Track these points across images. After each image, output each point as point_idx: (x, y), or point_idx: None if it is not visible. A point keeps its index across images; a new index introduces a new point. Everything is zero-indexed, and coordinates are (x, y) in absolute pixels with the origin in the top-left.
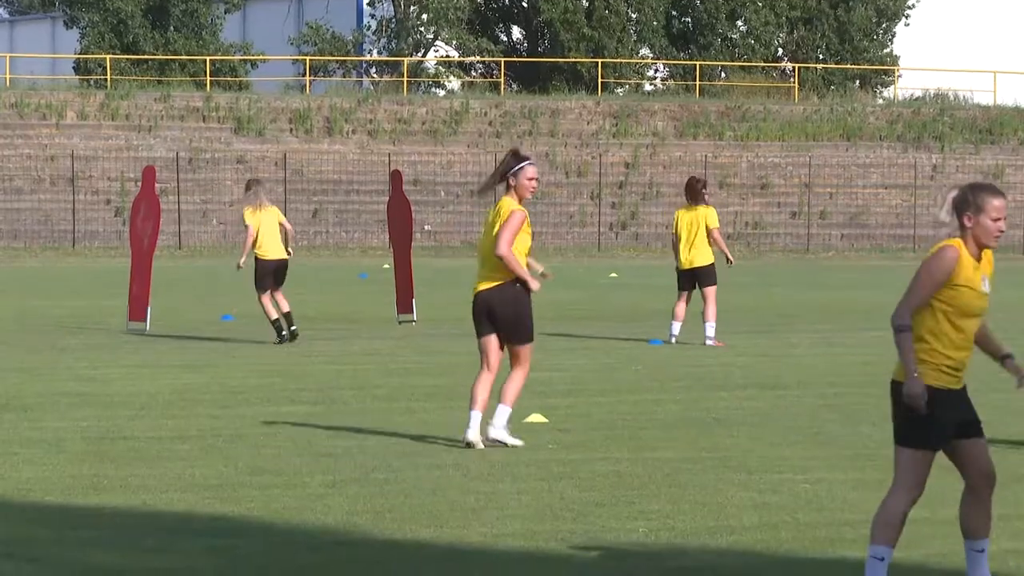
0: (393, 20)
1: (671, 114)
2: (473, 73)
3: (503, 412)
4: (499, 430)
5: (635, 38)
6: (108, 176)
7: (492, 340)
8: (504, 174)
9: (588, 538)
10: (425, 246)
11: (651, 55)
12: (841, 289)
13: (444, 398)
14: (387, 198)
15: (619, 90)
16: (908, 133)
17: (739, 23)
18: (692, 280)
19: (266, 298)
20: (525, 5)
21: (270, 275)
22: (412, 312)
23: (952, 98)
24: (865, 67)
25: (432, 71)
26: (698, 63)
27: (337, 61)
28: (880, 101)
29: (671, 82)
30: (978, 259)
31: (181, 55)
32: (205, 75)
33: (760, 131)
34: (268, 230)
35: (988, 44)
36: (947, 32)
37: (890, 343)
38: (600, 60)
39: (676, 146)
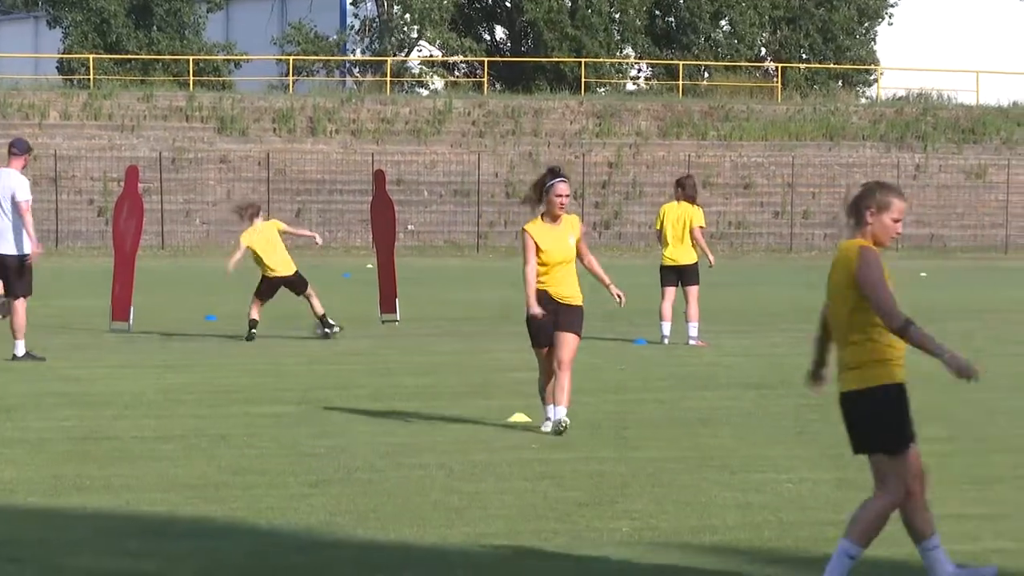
0: (376, 20)
1: (654, 114)
2: (456, 73)
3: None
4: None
5: (618, 38)
6: (91, 176)
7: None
8: (540, 189)
9: (571, 538)
10: (408, 246)
11: (634, 55)
12: (824, 289)
13: (428, 398)
14: (370, 198)
15: (602, 90)
16: (891, 133)
17: (722, 23)
18: (676, 276)
19: (256, 304)
20: (508, 5)
21: (275, 290)
22: (395, 312)
23: (935, 98)
24: (848, 67)
25: (415, 71)
26: (681, 63)
27: (320, 61)
28: (863, 101)
29: (654, 82)
30: None
31: (164, 55)
32: (188, 75)
33: (743, 131)
34: (269, 248)
35: (971, 44)
36: (930, 32)
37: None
38: (583, 60)
39: (659, 146)
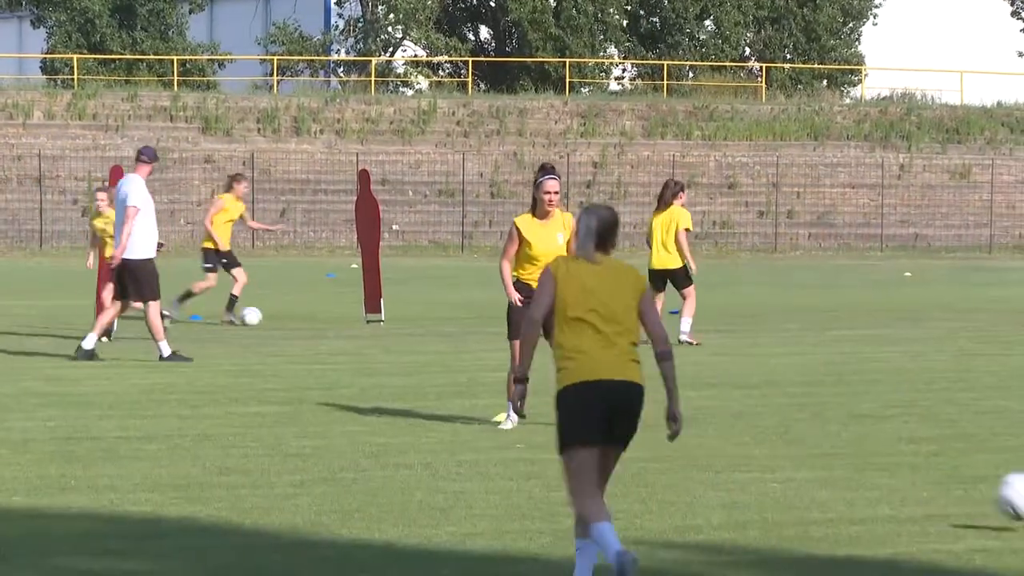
0: (361, 20)
1: (639, 114)
2: (441, 73)
3: None
4: None
5: (602, 37)
6: (75, 176)
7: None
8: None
9: (556, 537)
10: (393, 245)
11: (618, 55)
12: (808, 288)
13: (413, 398)
14: (355, 198)
15: (586, 90)
16: (875, 133)
17: (707, 22)
18: (663, 280)
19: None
20: (493, 5)
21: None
22: (380, 312)
23: (919, 98)
24: (832, 67)
25: (400, 71)
26: (666, 63)
27: (305, 61)
28: (847, 101)
29: (639, 82)
30: None
31: (148, 55)
32: (172, 75)
33: (728, 131)
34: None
35: (955, 44)
36: (914, 32)
37: (857, 341)
38: (567, 60)
39: (644, 146)
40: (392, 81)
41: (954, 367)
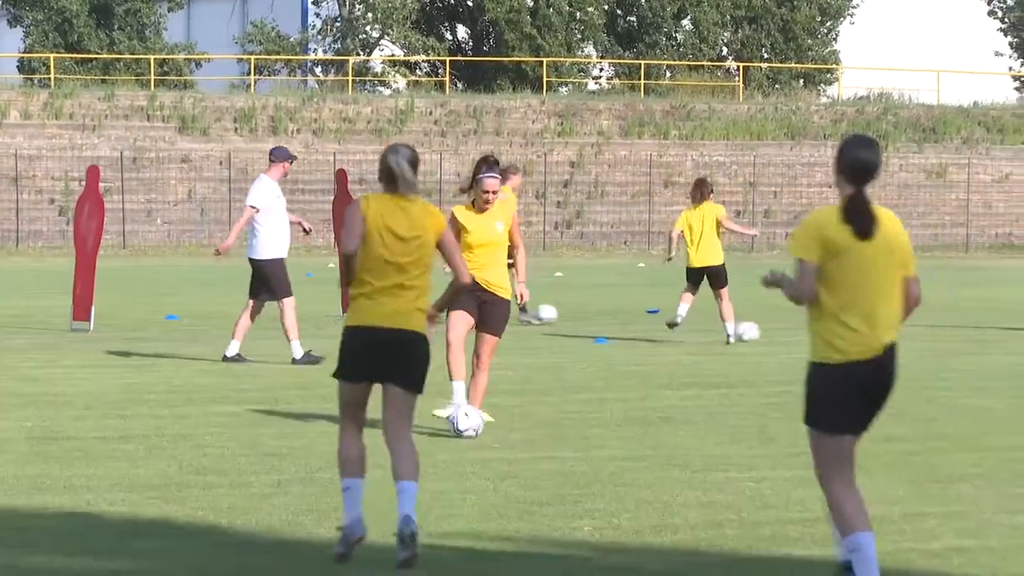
0: (339, 19)
1: (616, 113)
2: (418, 72)
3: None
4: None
5: (579, 37)
6: (52, 175)
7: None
8: (474, 179)
9: (533, 537)
10: None
11: (596, 54)
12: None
13: None
14: (332, 197)
15: (564, 89)
16: (852, 132)
17: (684, 22)
18: (700, 277)
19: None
20: (470, 4)
21: None
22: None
23: (896, 97)
24: (809, 66)
25: (378, 70)
26: (643, 62)
27: (282, 60)
28: (824, 100)
29: (616, 81)
30: None
31: (125, 54)
32: (150, 74)
33: (705, 130)
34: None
35: (932, 43)
36: (891, 31)
37: None
38: (545, 59)
39: (621, 145)
40: (370, 81)
41: (931, 366)
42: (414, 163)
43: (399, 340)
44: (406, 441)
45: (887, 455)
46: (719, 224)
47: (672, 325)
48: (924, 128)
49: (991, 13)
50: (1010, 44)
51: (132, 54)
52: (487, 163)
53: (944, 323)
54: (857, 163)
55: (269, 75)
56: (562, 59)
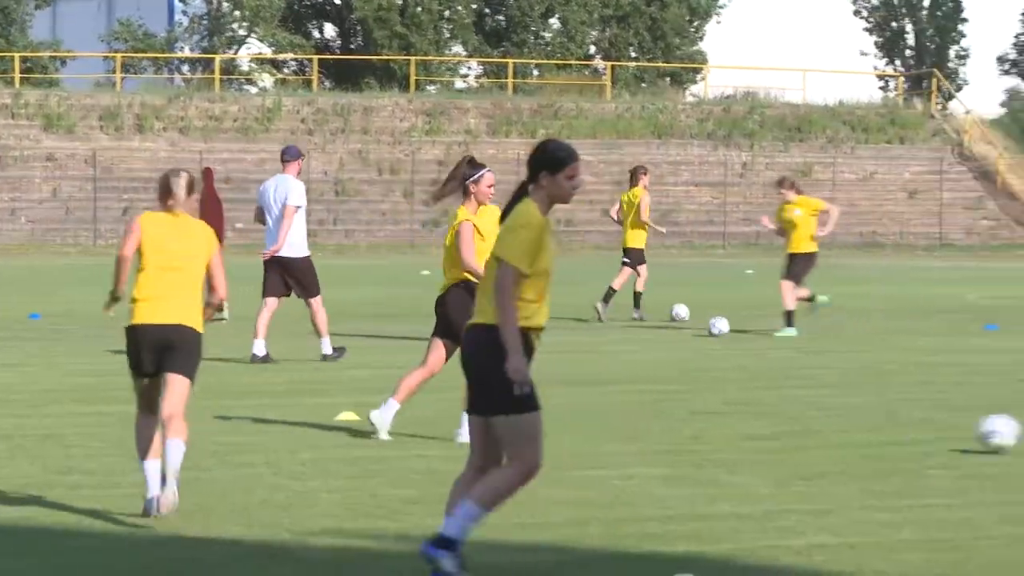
0: (205, 17)
1: (484, 112)
2: (286, 70)
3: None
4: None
5: (448, 35)
6: None
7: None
8: (463, 181)
9: (400, 535)
10: (238, 244)
11: (464, 52)
12: (653, 286)
13: (257, 396)
14: (198, 196)
15: (432, 88)
16: (719, 131)
17: (553, 21)
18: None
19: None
20: (338, 2)
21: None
22: (224, 310)
23: (762, 96)
24: (677, 65)
25: (245, 68)
26: (511, 61)
27: (149, 58)
28: (691, 99)
29: (484, 80)
30: None
31: None
32: (14, 72)
33: (573, 129)
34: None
35: (798, 43)
36: (758, 31)
37: (701, 338)
38: (413, 58)
39: (489, 144)
40: (237, 79)
41: (796, 364)
42: (190, 187)
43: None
44: (180, 418)
45: (751, 453)
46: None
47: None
48: (790, 127)
49: (856, 13)
50: (875, 44)
51: None
52: (473, 162)
53: (809, 322)
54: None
55: (135, 73)
56: (430, 58)
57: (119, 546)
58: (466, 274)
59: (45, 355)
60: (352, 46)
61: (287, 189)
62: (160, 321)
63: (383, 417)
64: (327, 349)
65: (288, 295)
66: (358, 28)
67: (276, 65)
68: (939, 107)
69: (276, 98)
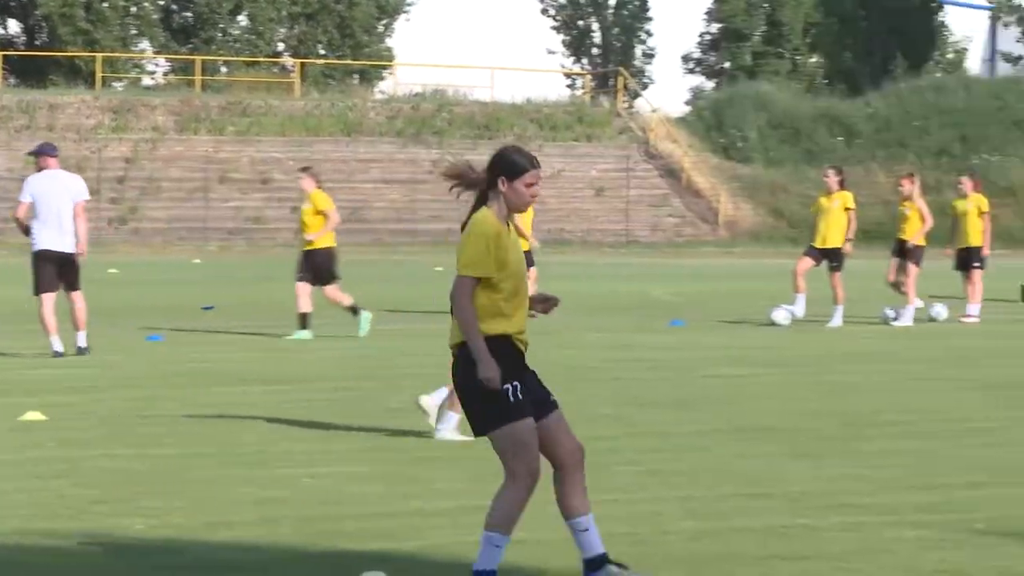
0: None
1: (171, 109)
2: None
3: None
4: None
5: (135, 32)
6: None
7: None
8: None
9: (85, 536)
10: None
11: (151, 49)
12: (343, 283)
13: None
14: None
15: (119, 84)
16: (408, 129)
17: (241, 18)
18: None
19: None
20: None
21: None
22: None
23: (451, 94)
24: (365, 63)
25: None
26: (198, 58)
27: None
28: (380, 96)
29: (172, 77)
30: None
31: None
32: None
33: (262, 126)
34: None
35: (486, 41)
36: (446, 29)
37: (391, 336)
38: (99, 54)
39: (177, 141)
40: None
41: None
42: None
43: None
44: None
45: (444, 450)
46: None
47: None
48: (479, 125)
49: (544, 11)
50: (562, 42)
51: None
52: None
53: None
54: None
55: None
56: (117, 54)
57: None
58: None
59: None
60: (37, 42)
61: (73, 185)
62: None
63: (430, 402)
64: (82, 342)
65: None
66: (43, 24)
67: None
68: (625, 105)
69: None
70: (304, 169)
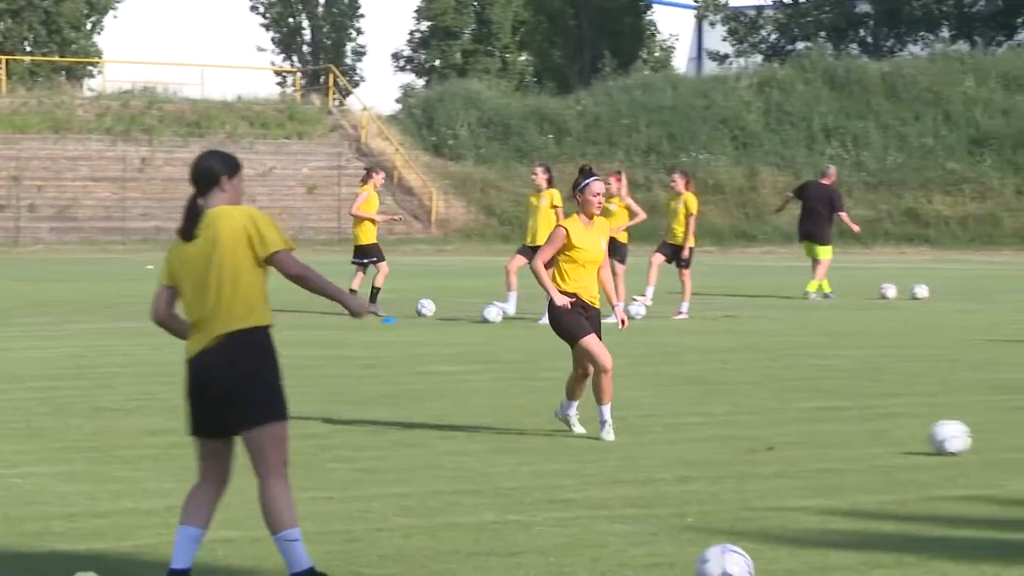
0: None
1: None
2: None
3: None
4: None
5: None
6: None
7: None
8: (573, 190)
9: None
10: None
11: None
12: (51, 282)
13: None
14: None
15: None
16: (117, 126)
17: None
18: None
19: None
20: None
21: None
22: None
23: (160, 91)
24: (72, 60)
25: None
26: None
27: None
28: (89, 93)
29: None
30: None
31: None
32: None
33: None
34: None
35: (196, 38)
36: (155, 25)
37: (98, 334)
38: None
39: None
40: None
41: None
42: None
43: None
44: None
45: (153, 449)
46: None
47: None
48: (189, 122)
49: (253, 8)
50: (272, 40)
51: None
52: (583, 171)
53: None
54: (193, 171)
55: None
56: None
57: None
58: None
59: None
60: None
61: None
62: None
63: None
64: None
65: None
66: None
67: None
68: (337, 103)
69: None
70: None
